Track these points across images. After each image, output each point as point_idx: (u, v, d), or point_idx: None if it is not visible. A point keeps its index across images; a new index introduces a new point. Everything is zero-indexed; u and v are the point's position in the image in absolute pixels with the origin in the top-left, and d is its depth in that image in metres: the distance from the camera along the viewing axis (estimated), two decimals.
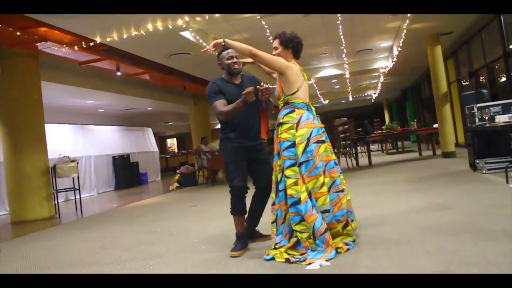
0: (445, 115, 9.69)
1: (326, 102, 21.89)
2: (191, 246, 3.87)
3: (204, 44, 7.99)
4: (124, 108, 15.41)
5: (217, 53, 3.58)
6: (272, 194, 3.28)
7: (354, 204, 4.99)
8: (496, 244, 2.75)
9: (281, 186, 3.15)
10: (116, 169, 13.62)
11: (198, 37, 7.84)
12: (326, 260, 2.82)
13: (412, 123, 11.77)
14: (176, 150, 28.00)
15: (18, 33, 6.28)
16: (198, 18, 6.82)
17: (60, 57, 8.14)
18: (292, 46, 3.31)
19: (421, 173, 7.29)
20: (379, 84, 17.71)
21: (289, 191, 3.06)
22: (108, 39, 7.17)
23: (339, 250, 3.03)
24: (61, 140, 11.16)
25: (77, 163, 7.86)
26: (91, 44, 7.20)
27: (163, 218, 5.95)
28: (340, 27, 8.44)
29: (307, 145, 3.08)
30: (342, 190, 3.17)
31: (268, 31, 7.97)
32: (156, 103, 14.38)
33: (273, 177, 3.28)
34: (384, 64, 13.27)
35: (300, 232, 3.02)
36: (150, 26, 6.89)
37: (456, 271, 2.35)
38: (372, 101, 24.67)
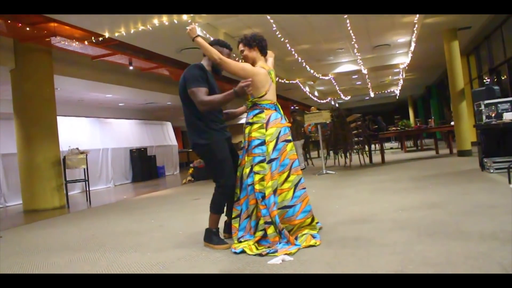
0: (461, 112, 9.41)
1: (348, 98, 21.62)
2: (173, 237, 3.93)
3: (212, 38, 8.02)
4: (143, 102, 15.67)
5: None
6: (236, 190, 3.29)
7: (349, 200, 5.05)
8: (466, 245, 2.67)
9: (249, 181, 3.19)
10: (133, 162, 13.87)
11: (205, 32, 7.87)
12: (289, 254, 2.82)
13: (429, 120, 11.48)
14: None
15: (28, 29, 6.47)
16: (202, 13, 6.86)
17: (74, 52, 8.36)
18: (256, 43, 3.39)
19: (428, 172, 7.12)
20: (401, 81, 17.34)
21: (256, 186, 3.14)
22: (116, 34, 7.31)
23: (302, 241, 3.05)
24: (78, 132, 11.46)
25: (86, 155, 8.05)
26: (100, 39, 7.35)
27: (162, 210, 6.05)
28: (349, 22, 8.31)
29: (276, 144, 3.20)
30: (305, 188, 3.26)
31: (274, 26, 7.92)
32: (175, 97, 14.54)
33: (238, 173, 3.30)
34: (403, 60, 12.98)
35: (268, 226, 3.06)
36: (156, 21, 6.97)
37: (411, 271, 2.30)
38: (397, 98, 24.19)
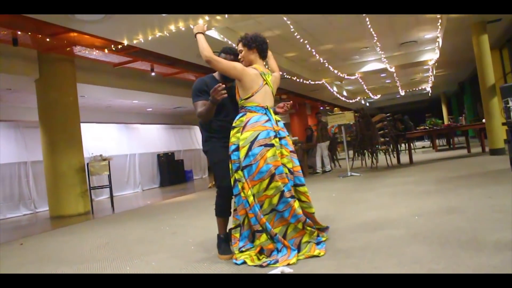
0: (493, 109, 8.98)
1: (378, 97, 21.15)
2: (182, 246, 3.89)
3: (230, 42, 7.99)
4: (171, 107, 15.85)
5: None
6: (235, 199, 3.21)
7: (366, 205, 4.88)
8: (478, 257, 2.49)
9: (235, 191, 3.12)
10: (161, 167, 14.03)
11: (222, 36, 7.85)
12: (288, 264, 2.75)
13: (460, 118, 11.03)
14: None
15: (48, 39, 6.62)
16: (218, 17, 6.83)
17: (97, 60, 8.53)
18: (256, 45, 3.25)
19: (455, 173, 6.81)
20: (432, 78, 16.79)
21: (242, 195, 3.05)
22: (135, 41, 7.38)
23: (306, 251, 2.95)
24: (106, 139, 11.70)
25: (109, 161, 8.17)
26: (120, 46, 7.45)
27: (181, 216, 6.05)
28: (371, 20, 8.08)
29: (249, 149, 3.01)
30: (293, 196, 3.02)
31: (293, 27, 7.79)
32: None
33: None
34: (432, 56, 12.55)
35: (259, 234, 2.97)
36: (172, 27, 7.00)
37: None
38: (429, 95, 23.47)
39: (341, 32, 9.75)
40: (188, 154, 15.86)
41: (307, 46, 9.57)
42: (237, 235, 3.15)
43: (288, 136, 3.26)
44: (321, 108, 22.22)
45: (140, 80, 10.73)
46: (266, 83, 3.23)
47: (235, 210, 3.20)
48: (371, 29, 8.71)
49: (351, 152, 10.64)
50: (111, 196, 8.65)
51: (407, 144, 10.60)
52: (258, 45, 3.24)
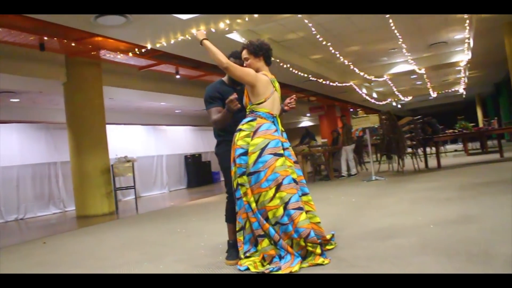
0: None
1: (409, 98, 20.67)
2: (193, 250, 3.92)
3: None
4: (199, 108, 16.01)
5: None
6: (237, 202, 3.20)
7: (384, 212, 4.77)
8: (484, 271, 2.38)
9: (237, 194, 3.10)
10: (188, 168, 14.21)
11: (243, 39, 7.87)
12: (291, 272, 2.72)
13: (492, 121, 10.63)
14: None
15: (73, 44, 6.83)
16: (239, 20, 6.86)
17: (123, 64, 8.72)
18: (263, 53, 3.24)
19: (482, 178, 6.56)
20: (465, 79, 16.26)
21: (244, 199, 3.03)
22: (158, 45, 7.51)
23: (311, 259, 2.91)
24: (133, 140, 11.94)
25: (133, 163, 8.34)
26: (143, 50, 7.59)
27: (199, 218, 6.11)
28: (397, 21, 7.91)
29: (259, 156, 2.98)
30: (300, 208, 2.96)
31: (315, 29, 7.72)
32: None
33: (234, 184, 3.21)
34: (464, 57, 12.16)
35: (262, 239, 2.95)
36: (194, 31, 7.07)
37: None
38: (463, 96, 22.75)
39: (366, 33, 9.59)
40: (215, 155, 15.96)
41: (330, 48, 9.46)
42: (241, 238, 3.15)
43: (290, 147, 3.25)
44: (351, 110, 21.93)
45: (166, 82, 10.89)
46: (275, 90, 3.24)
47: (237, 213, 3.19)
48: (395, 31, 8.51)
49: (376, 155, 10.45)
50: (135, 197, 8.82)
51: (435, 148, 10.29)
52: (264, 52, 3.24)
